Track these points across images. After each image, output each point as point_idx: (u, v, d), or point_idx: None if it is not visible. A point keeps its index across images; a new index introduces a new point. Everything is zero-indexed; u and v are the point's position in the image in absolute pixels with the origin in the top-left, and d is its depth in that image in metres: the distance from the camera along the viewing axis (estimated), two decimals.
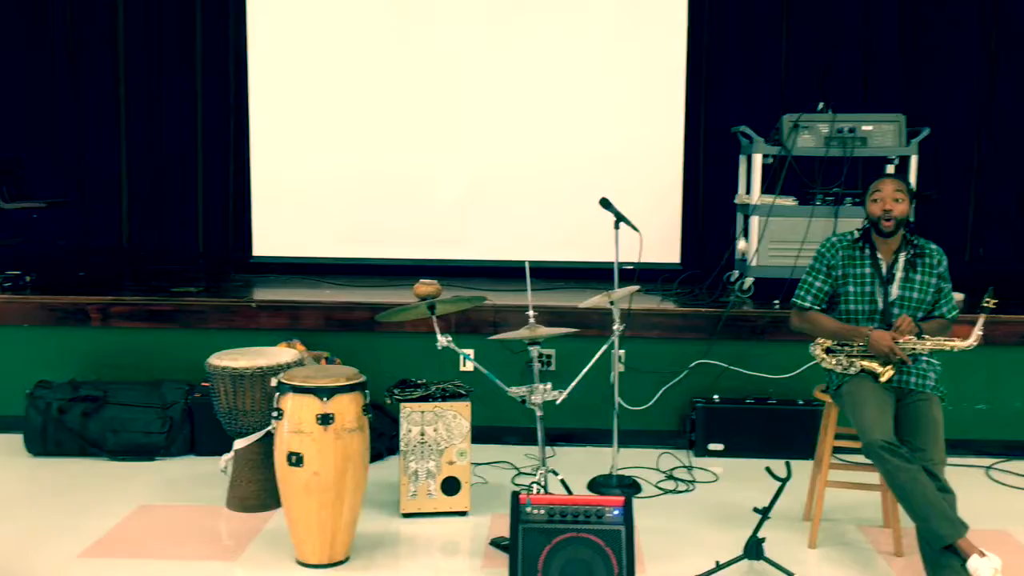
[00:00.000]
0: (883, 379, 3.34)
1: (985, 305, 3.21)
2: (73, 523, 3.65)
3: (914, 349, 3.32)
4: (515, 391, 3.44)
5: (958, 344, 3.30)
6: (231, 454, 3.83)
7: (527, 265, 3.61)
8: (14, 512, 3.72)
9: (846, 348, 3.44)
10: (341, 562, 3.32)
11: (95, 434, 4.40)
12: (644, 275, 5.21)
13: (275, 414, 3.29)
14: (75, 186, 6.04)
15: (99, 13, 5.94)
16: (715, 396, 4.60)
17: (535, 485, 3.38)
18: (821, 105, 5.02)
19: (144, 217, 6.11)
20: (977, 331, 3.25)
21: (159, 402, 4.47)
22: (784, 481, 3.18)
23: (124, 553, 3.40)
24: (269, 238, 5.79)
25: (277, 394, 3.31)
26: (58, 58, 5.98)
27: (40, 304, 4.71)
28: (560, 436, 4.70)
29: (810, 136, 4.94)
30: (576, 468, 4.26)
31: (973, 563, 2.96)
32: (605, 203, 4.02)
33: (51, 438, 4.40)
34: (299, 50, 5.68)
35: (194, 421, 4.47)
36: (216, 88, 5.95)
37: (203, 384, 4.24)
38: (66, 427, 4.39)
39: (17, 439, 4.49)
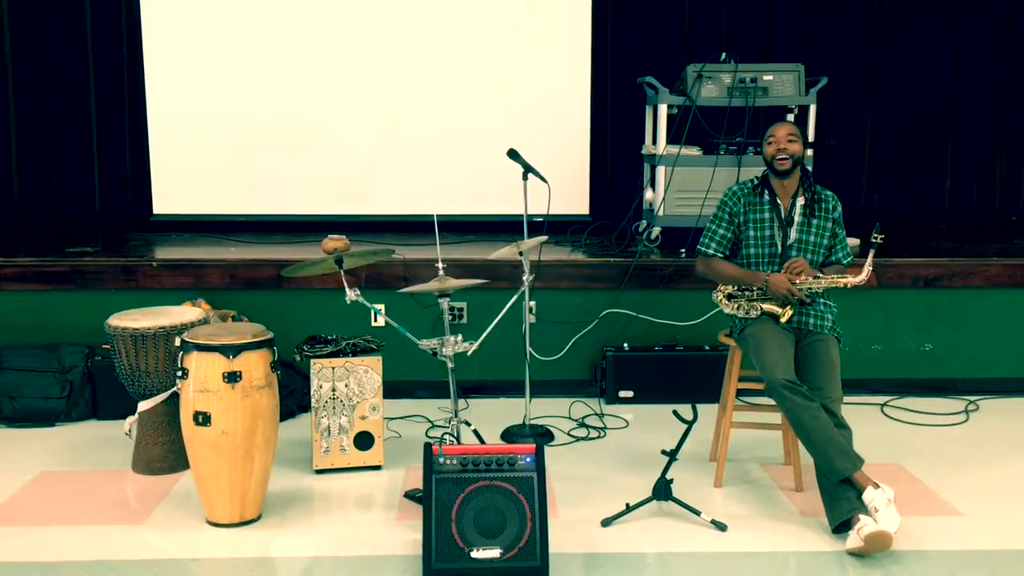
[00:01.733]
0: (783, 320, 3.44)
1: (873, 240, 3.33)
2: None
3: (810, 288, 3.43)
4: (426, 344, 3.43)
5: (850, 280, 3.42)
6: (135, 416, 3.74)
7: (435, 218, 3.58)
8: None
9: (747, 293, 3.53)
10: (253, 520, 3.29)
11: None
12: (554, 226, 5.26)
13: (180, 373, 3.22)
14: None
15: None
16: (624, 344, 4.68)
17: (448, 436, 3.39)
18: (724, 55, 5.08)
19: (36, 176, 5.85)
20: (868, 267, 3.37)
21: (57, 366, 4.32)
22: (690, 424, 3.26)
23: (26, 521, 3.30)
24: (170, 195, 5.61)
25: (181, 353, 3.24)
26: None
27: None
28: (474, 388, 4.72)
29: (714, 86, 5.01)
30: (490, 419, 4.29)
31: (868, 495, 3.10)
32: (513, 154, 4.01)
33: None
34: (191, 7, 5.46)
35: (95, 384, 4.34)
36: (107, 37, 5.70)
37: (104, 347, 4.11)
38: None
39: None
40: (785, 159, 3.49)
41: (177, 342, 3.30)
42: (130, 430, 3.77)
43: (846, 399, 3.44)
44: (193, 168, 5.57)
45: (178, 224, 5.61)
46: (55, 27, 5.69)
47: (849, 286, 3.42)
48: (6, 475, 3.68)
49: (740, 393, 3.78)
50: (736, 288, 3.56)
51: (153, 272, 4.57)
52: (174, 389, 3.45)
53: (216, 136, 5.54)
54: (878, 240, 3.33)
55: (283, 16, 5.51)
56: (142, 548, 3.13)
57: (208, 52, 5.51)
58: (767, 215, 3.56)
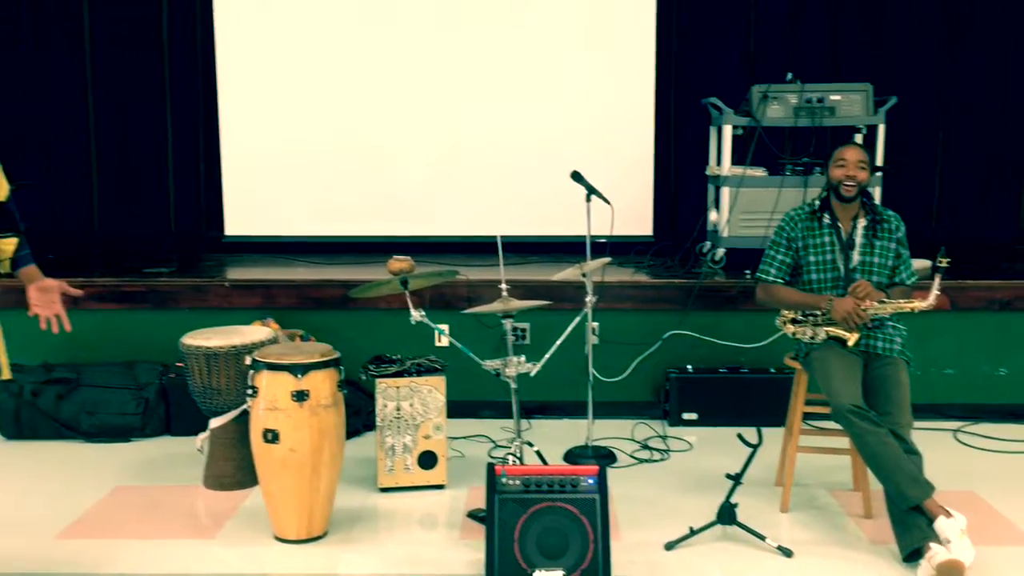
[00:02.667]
0: (850, 343, 3.39)
1: (939, 265, 3.27)
2: (50, 506, 3.64)
3: (876, 313, 3.37)
4: (489, 364, 3.47)
5: (917, 304, 3.35)
6: (207, 433, 3.84)
7: (499, 240, 3.62)
8: None
9: (811, 318, 3.48)
10: (319, 537, 3.35)
11: (69, 416, 4.39)
12: (617, 248, 5.24)
13: (250, 392, 3.30)
14: (43, 169, 5.97)
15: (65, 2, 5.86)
16: (688, 366, 4.65)
17: (510, 456, 3.41)
18: (790, 76, 5.05)
19: (114, 199, 6.06)
20: (935, 291, 3.31)
21: (133, 383, 4.46)
22: (755, 447, 3.23)
23: (102, 534, 3.41)
24: (242, 217, 5.75)
25: (252, 372, 3.32)
26: (23, 42, 5.89)
27: (9, 287, 4.65)
28: (536, 409, 4.74)
29: (779, 107, 4.97)
30: (552, 440, 4.30)
31: (940, 523, 3.02)
32: (576, 176, 4.04)
33: (25, 422, 4.38)
34: (267, 26, 5.63)
35: (169, 401, 4.47)
36: (184, 66, 5.89)
37: (177, 364, 4.22)
38: (40, 410, 4.37)
39: None
40: (852, 186, 3.44)
41: (248, 361, 3.38)
42: (202, 446, 3.87)
43: (917, 425, 3.38)
44: (263, 191, 5.71)
45: (249, 245, 5.75)
46: (134, 56, 5.90)
47: (916, 311, 3.36)
48: (84, 489, 3.81)
49: (807, 417, 3.72)
50: (801, 313, 3.51)
51: (224, 292, 4.69)
52: (244, 407, 3.54)
53: (285, 159, 5.68)
54: (944, 264, 3.26)
55: (348, 44, 5.63)
56: (213, 563, 3.20)
57: (278, 80, 5.65)
58: (827, 239, 3.51)
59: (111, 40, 5.91)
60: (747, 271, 4.83)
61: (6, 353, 2.90)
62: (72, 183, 6.03)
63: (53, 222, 5.95)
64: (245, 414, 3.50)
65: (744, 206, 4.95)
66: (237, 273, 5.04)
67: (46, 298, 2.89)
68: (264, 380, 3.26)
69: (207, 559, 3.23)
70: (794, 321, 3.53)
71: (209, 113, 5.80)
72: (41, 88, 5.91)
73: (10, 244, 2.88)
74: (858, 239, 3.50)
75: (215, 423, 3.81)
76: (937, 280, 3.30)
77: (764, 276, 3.60)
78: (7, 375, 2.88)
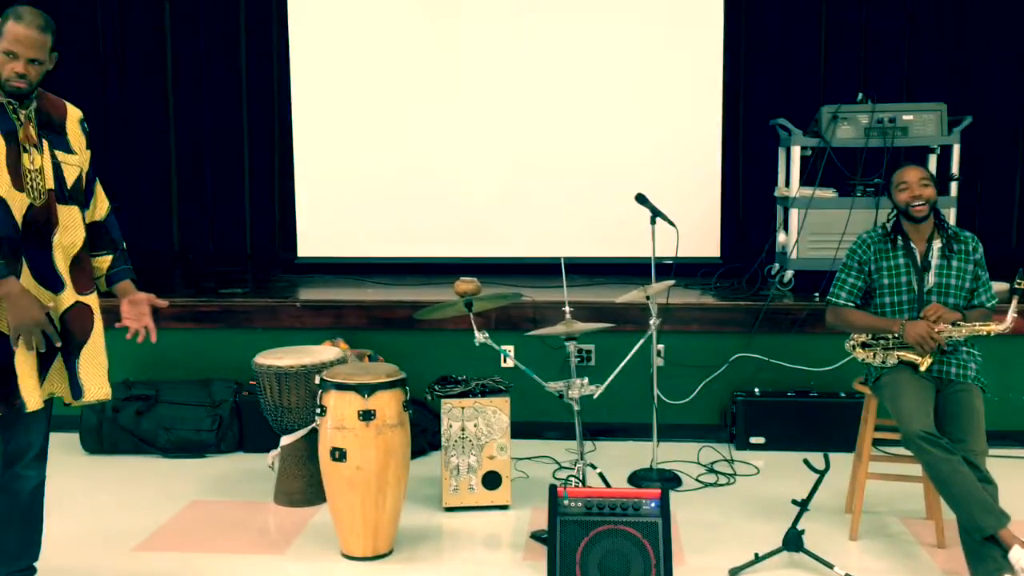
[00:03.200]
0: (922, 368, 3.32)
1: (1017, 286, 3.19)
2: (128, 518, 3.77)
3: (950, 336, 3.30)
4: (552, 386, 3.49)
5: (994, 328, 3.27)
6: (278, 450, 3.93)
7: (562, 262, 3.65)
8: (71, 508, 3.85)
9: (882, 341, 3.42)
10: (385, 555, 3.40)
11: (148, 432, 4.54)
12: (684, 269, 5.24)
13: (318, 411, 3.37)
14: (128, 194, 6.21)
15: (146, 25, 6.09)
16: (756, 389, 4.60)
17: (572, 478, 3.42)
18: (860, 96, 4.98)
19: (193, 222, 6.27)
20: (1012, 314, 3.23)
21: (209, 400, 4.59)
22: (822, 473, 3.19)
23: (176, 547, 3.52)
24: (313, 239, 5.89)
25: (320, 391, 3.40)
26: (108, 70, 6.15)
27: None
28: (602, 431, 4.74)
29: (849, 127, 4.91)
30: (617, 462, 4.30)
31: (1015, 554, 2.94)
32: (641, 199, 4.05)
33: (106, 437, 4.55)
34: (338, 55, 5.78)
35: (242, 418, 4.59)
36: (260, 95, 6.09)
37: (250, 383, 4.34)
38: (120, 426, 4.53)
39: (74, 438, 4.63)
40: (922, 205, 3.39)
41: (317, 380, 3.47)
42: (273, 463, 3.96)
43: (994, 452, 3.29)
44: (334, 213, 5.84)
45: (320, 266, 5.88)
46: (214, 86, 6.11)
47: (992, 334, 3.28)
48: (160, 503, 3.93)
49: (879, 443, 3.66)
50: (871, 336, 3.46)
51: (296, 312, 4.80)
52: (313, 425, 3.62)
53: (355, 183, 5.80)
54: (1022, 286, 3.18)
55: (415, 72, 5.73)
56: None
57: (348, 108, 5.78)
58: (901, 261, 3.45)
59: (191, 67, 6.14)
60: (816, 293, 4.77)
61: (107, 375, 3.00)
62: (154, 208, 6.25)
63: (136, 244, 6.13)
64: (314, 432, 3.58)
65: (813, 228, 4.89)
66: (308, 294, 5.16)
67: (136, 311, 2.98)
68: (332, 400, 3.33)
69: (276, 574, 3.30)
70: (864, 345, 3.48)
71: (284, 140, 5.97)
72: (127, 116, 6.16)
73: (104, 262, 2.98)
74: (934, 260, 3.43)
75: (286, 441, 3.91)
76: (1015, 302, 3.22)
77: (835, 299, 3.55)
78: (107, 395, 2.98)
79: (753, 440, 4.56)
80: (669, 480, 4.12)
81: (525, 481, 4.15)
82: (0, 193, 2.64)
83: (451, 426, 3.79)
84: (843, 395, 4.50)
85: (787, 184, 5.06)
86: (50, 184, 2.74)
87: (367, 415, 3.28)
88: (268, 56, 6.03)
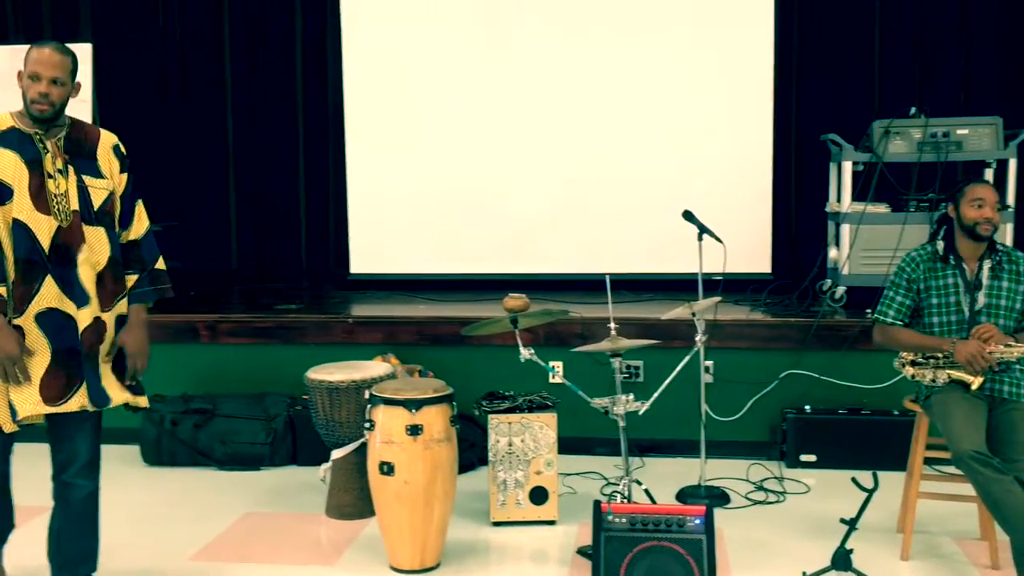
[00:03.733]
0: (974, 387, 3.27)
1: None
2: (185, 529, 3.87)
3: (1002, 357, 3.25)
4: (598, 402, 3.51)
5: None
6: (329, 464, 4.01)
7: (607, 279, 3.68)
8: (131, 518, 3.97)
9: (932, 360, 3.38)
10: (432, 568, 3.44)
11: (205, 445, 4.66)
12: (734, 285, 5.21)
13: (367, 425, 3.44)
14: (187, 211, 6.39)
15: (208, 52, 6.28)
16: (806, 407, 4.56)
17: (617, 494, 3.43)
18: (914, 110, 4.93)
19: (250, 240, 6.42)
20: None
21: (263, 414, 4.70)
22: (871, 492, 3.15)
23: (231, 558, 3.61)
24: (366, 256, 5.99)
25: (369, 406, 3.46)
26: (169, 91, 6.35)
27: (153, 322, 4.98)
28: (650, 447, 4.73)
29: (902, 142, 4.86)
30: (665, 479, 4.30)
31: None
32: (688, 215, 4.06)
33: (165, 449, 4.68)
34: (390, 75, 5.88)
35: (296, 432, 4.68)
36: (315, 116, 6.22)
37: (303, 397, 4.44)
38: (178, 438, 4.66)
39: (134, 450, 4.78)
40: (989, 226, 3.33)
41: (366, 395, 3.53)
42: (324, 476, 4.04)
43: None
44: (387, 230, 5.93)
45: (372, 283, 5.98)
46: (270, 109, 6.27)
47: None
48: (216, 515, 4.03)
49: (933, 462, 3.60)
50: (921, 355, 3.41)
51: (348, 328, 4.89)
52: (363, 439, 3.69)
53: (407, 201, 5.89)
54: None
55: (464, 93, 5.80)
56: None
57: (400, 128, 5.88)
58: (951, 280, 3.41)
59: (249, 89, 6.30)
60: (868, 310, 4.70)
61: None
62: (213, 226, 6.42)
63: (195, 261, 6.34)
64: (365, 446, 3.64)
65: (865, 243, 4.85)
66: (360, 310, 5.25)
67: (133, 338, 3.04)
68: (380, 414, 3.40)
69: None
70: (914, 363, 3.43)
71: (338, 160, 6.09)
72: (187, 136, 6.34)
73: (130, 280, 3.07)
74: (984, 280, 3.38)
75: (336, 454, 3.98)
76: None
77: (882, 318, 3.52)
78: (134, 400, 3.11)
79: (804, 458, 4.52)
80: (717, 497, 4.11)
81: (573, 497, 4.16)
82: (22, 217, 2.83)
83: (498, 441, 3.83)
84: (896, 413, 4.44)
85: (838, 199, 5.02)
86: (75, 206, 2.91)
87: (415, 430, 3.33)
88: (323, 76, 6.16)
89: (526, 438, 3.83)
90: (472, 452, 4.55)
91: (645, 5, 5.64)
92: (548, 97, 5.76)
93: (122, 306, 3.03)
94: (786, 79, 5.72)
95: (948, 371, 3.35)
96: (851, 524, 3.18)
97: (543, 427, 3.84)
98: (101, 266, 2.97)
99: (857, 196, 4.92)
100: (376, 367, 4.11)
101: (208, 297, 5.67)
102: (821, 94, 5.74)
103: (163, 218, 6.20)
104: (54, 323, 2.86)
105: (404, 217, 5.90)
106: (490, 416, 3.85)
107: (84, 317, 2.91)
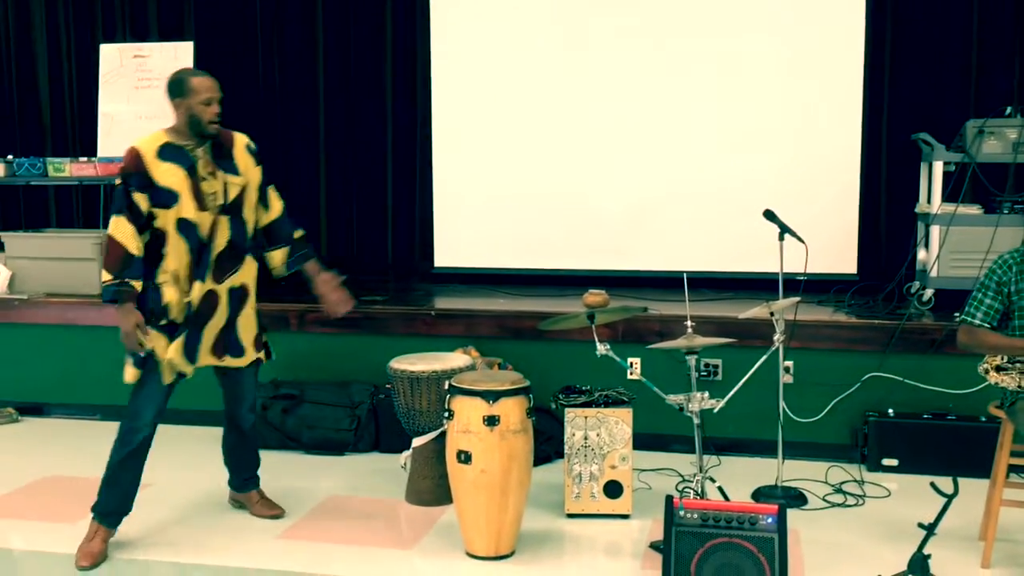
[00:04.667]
0: None
1: None
2: None
3: None
4: (673, 399, 3.54)
5: None
6: (409, 451, 4.13)
7: (685, 276, 3.70)
8: (221, 499, 4.16)
9: (1019, 364, 3.31)
10: (507, 555, 3.53)
11: (293, 429, 4.83)
12: (818, 286, 5.18)
13: (446, 414, 3.54)
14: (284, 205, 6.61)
15: (303, 56, 6.48)
16: (890, 410, 4.49)
17: (690, 490, 3.46)
18: (1009, 109, 4.80)
19: (339, 232, 6.61)
20: None
21: (348, 402, 4.85)
22: (950, 497, 3.11)
23: (315, 538, 3.75)
24: (450, 250, 6.11)
25: (448, 396, 3.56)
26: (263, 87, 6.57)
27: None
28: (728, 446, 4.73)
29: (996, 142, 4.73)
30: (742, 478, 4.29)
31: None
32: (769, 215, 4.05)
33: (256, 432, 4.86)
34: (476, 74, 5.98)
35: (378, 420, 4.83)
36: (403, 115, 6.36)
37: (386, 386, 4.57)
38: (268, 422, 4.84)
39: None
40: None
41: (446, 386, 3.64)
42: (405, 463, 4.16)
43: None
44: (471, 226, 6.04)
45: (456, 276, 6.10)
46: (360, 107, 6.43)
47: None
48: (303, 496, 4.19)
49: (1019, 470, 3.52)
50: (1005, 359, 3.34)
51: (430, 321, 5.02)
52: (443, 428, 3.79)
53: (490, 197, 5.99)
54: None
55: (551, 93, 5.85)
56: (409, 572, 3.47)
57: (485, 127, 5.97)
58: None
59: (341, 87, 6.48)
60: (956, 313, 4.58)
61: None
62: (304, 218, 6.58)
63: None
64: (444, 435, 3.75)
65: (955, 245, 4.74)
66: (443, 303, 5.36)
67: (324, 289, 3.80)
68: (459, 404, 3.50)
69: (404, 569, 3.49)
70: (998, 368, 3.37)
71: (424, 156, 6.22)
72: (282, 133, 6.56)
73: (281, 253, 3.77)
74: None
75: (417, 442, 4.10)
76: None
77: (969, 319, 3.46)
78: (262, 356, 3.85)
79: (886, 462, 4.45)
80: (794, 498, 4.09)
81: (647, 492, 4.20)
82: (191, 216, 3.46)
83: (574, 434, 3.89)
84: (983, 419, 4.34)
85: (928, 200, 4.92)
86: (220, 201, 3.53)
87: (492, 420, 3.42)
88: (411, 74, 6.30)
89: (601, 432, 3.88)
90: (549, 445, 4.62)
91: (731, 5, 5.61)
92: (630, 97, 5.77)
93: (233, 279, 3.60)
94: (877, 76, 5.61)
95: None
96: (929, 529, 3.15)
97: (618, 422, 3.88)
98: (220, 248, 3.55)
99: (948, 197, 4.81)
100: (456, 358, 4.22)
101: (298, 287, 5.84)
102: (914, 91, 5.61)
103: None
104: (210, 298, 3.54)
105: (487, 214, 6.00)
106: (566, 410, 3.91)
107: (222, 290, 3.57)
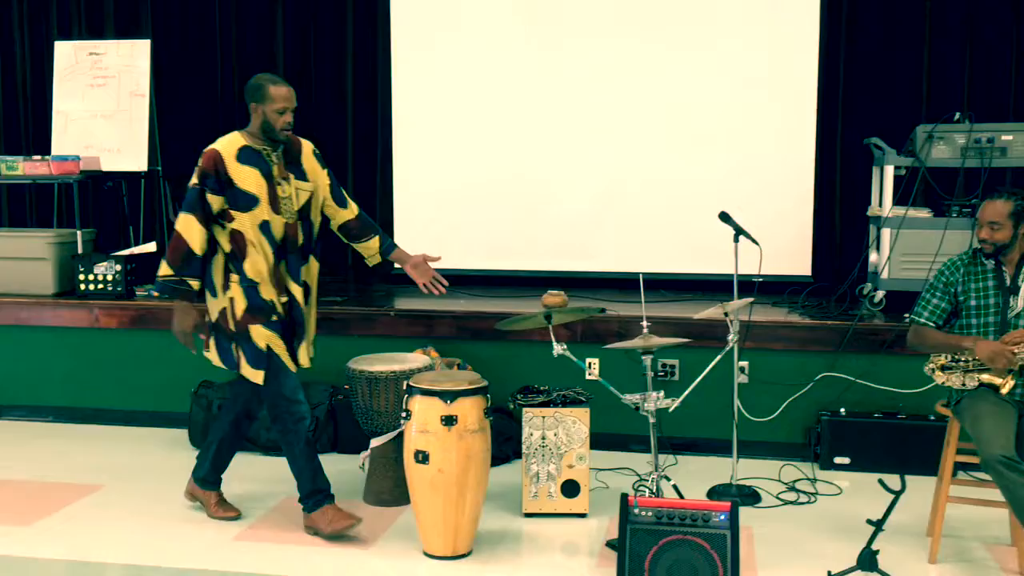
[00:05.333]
0: (1004, 391, 3.29)
1: None
2: None
3: None
4: (629, 398, 3.58)
5: None
6: (368, 452, 4.13)
7: (641, 277, 3.75)
8: (178, 499, 4.12)
9: (962, 364, 3.39)
10: (464, 555, 3.55)
11: (250, 430, 4.79)
12: (773, 287, 5.26)
13: (404, 415, 3.55)
14: None
15: (263, 56, 6.44)
16: (842, 409, 4.57)
17: (645, 488, 3.50)
18: (958, 115, 4.91)
19: None
20: None
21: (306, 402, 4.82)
22: (898, 494, 3.18)
23: (272, 539, 3.74)
24: (410, 251, 6.07)
25: (407, 396, 3.57)
26: (226, 97, 6.53)
27: (204, 311, 5.15)
28: (685, 445, 4.78)
29: (945, 147, 4.84)
30: (698, 477, 4.35)
31: None
32: (724, 217, 4.10)
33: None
34: (437, 74, 5.99)
35: (337, 420, 4.82)
36: (364, 117, 6.33)
37: (345, 387, 4.55)
38: None
39: (182, 433, 4.96)
40: (988, 246, 3.38)
41: (405, 386, 3.64)
42: (363, 464, 4.16)
43: None
44: (431, 227, 6.05)
45: None
46: (321, 108, 6.41)
47: None
48: (259, 498, 4.18)
49: (966, 467, 3.61)
50: (950, 358, 3.43)
51: (390, 321, 5.01)
52: (401, 428, 3.79)
53: (450, 198, 6.00)
54: None
55: (512, 89, 5.87)
56: (366, 572, 3.47)
57: (445, 126, 5.98)
58: (990, 283, 3.43)
59: (303, 92, 6.40)
60: (907, 314, 4.69)
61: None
62: None
63: None
64: (403, 435, 3.75)
65: (905, 248, 4.84)
66: (402, 303, 5.36)
67: (419, 271, 3.95)
68: (417, 404, 3.51)
69: (362, 569, 3.49)
70: (944, 368, 3.45)
71: (385, 159, 6.21)
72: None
73: (375, 242, 3.97)
74: (1022, 285, 3.40)
75: (375, 443, 4.10)
76: None
77: (917, 319, 3.55)
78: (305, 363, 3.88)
79: (838, 460, 4.53)
80: (748, 496, 4.15)
81: (605, 491, 4.23)
82: (265, 217, 3.60)
83: (532, 434, 3.92)
84: (932, 418, 4.44)
85: (880, 203, 5.02)
86: (296, 207, 3.70)
87: (449, 420, 3.43)
88: (372, 76, 6.29)
89: (559, 432, 3.91)
90: (508, 445, 4.64)
91: (690, 8, 5.67)
92: (590, 98, 5.81)
93: (306, 281, 3.79)
94: (832, 82, 5.70)
95: (979, 375, 3.36)
96: (877, 525, 3.22)
97: (576, 422, 3.92)
98: (297, 251, 3.71)
99: (899, 200, 4.91)
100: (416, 359, 4.23)
101: None
102: (867, 97, 5.71)
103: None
104: (293, 299, 3.71)
105: (447, 215, 6.01)
106: (524, 409, 3.93)
107: (299, 292, 3.72)
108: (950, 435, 3.56)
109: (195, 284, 3.60)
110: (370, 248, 3.98)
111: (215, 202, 3.55)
